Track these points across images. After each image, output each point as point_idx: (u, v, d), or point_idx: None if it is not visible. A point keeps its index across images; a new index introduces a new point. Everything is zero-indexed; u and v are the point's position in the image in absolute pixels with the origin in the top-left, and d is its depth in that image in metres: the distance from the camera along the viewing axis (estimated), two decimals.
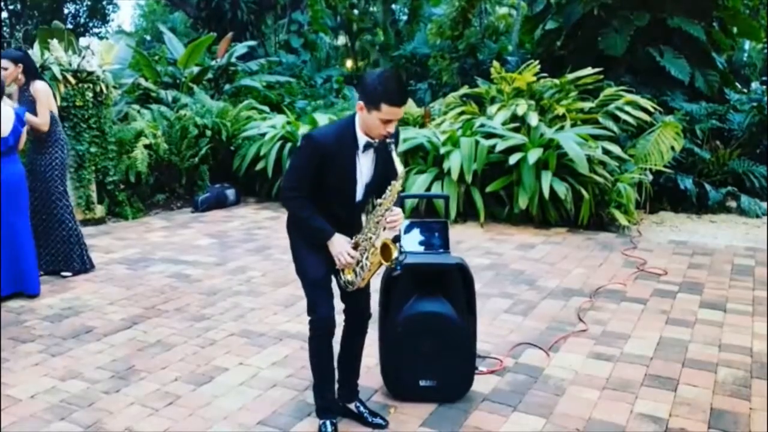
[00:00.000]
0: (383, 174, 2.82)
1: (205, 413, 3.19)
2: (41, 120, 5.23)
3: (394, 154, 2.73)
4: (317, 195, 2.80)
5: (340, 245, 2.80)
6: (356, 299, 3.01)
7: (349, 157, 2.75)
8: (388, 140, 2.70)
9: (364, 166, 2.82)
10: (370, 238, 2.81)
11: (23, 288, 4.94)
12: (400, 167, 2.73)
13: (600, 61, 9.45)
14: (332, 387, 3.02)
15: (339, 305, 3.00)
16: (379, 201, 2.79)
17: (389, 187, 2.76)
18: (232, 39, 12.50)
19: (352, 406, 3.11)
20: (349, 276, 2.87)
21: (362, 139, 2.75)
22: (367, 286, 3.03)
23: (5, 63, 5.13)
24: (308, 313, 2.91)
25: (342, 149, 2.73)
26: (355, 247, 2.83)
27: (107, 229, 7.43)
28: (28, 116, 5.09)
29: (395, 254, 2.75)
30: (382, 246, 2.77)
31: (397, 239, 2.80)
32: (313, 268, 2.87)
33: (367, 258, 2.82)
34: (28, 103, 5.21)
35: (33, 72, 5.34)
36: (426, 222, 3.46)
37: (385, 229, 2.82)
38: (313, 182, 2.77)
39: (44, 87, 5.29)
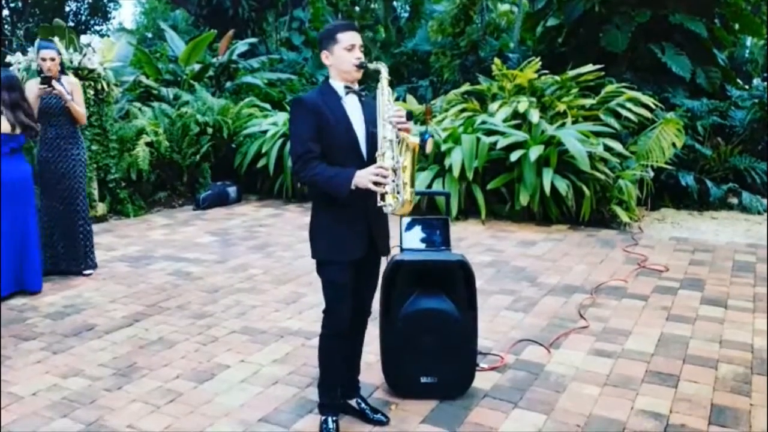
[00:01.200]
0: (374, 120, 2.78)
1: (206, 410, 3.20)
2: (84, 112, 5.45)
3: (370, 65, 2.78)
4: (326, 158, 2.75)
5: (365, 172, 2.66)
6: (363, 297, 2.99)
7: (336, 107, 2.79)
8: (362, 62, 2.76)
9: (355, 114, 2.82)
10: (390, 140, 2.69)
11: (25, 285, 4.96)
12: (383, 67, 2.80)
13: (601, 57, 9.44)
14: (338, 386, 3.02)
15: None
16: (380, 121, 2.73)
17: (379, 84, 2.77)
18: (233, 36, 12.49)
19: (353, 402, 3.11)
20: (391, 199, 2.67)
21: (339, 86, 2.82)
22: (376, 282, 3.02)
23: (53, 53, 5.18)
24: (325, 310, 2.90)
25: (327, 101, 2.79)
26: (381, 161, 2.69)
27: (109, 227, 7.44)
28: (76, 105, 5.26)
29: (415, 137, 2.69)
30: (402, 139, 2.68)
31: (410, 116, 2.77)
32: (337, 269, 2.82)
33: (399, 159, 2.69)
34: (57, 96, 5.22)
35: (62, 66, 5.43)
36: (427, 219, 3.47)
37: (394, 125, 2.71)
38: (319, 141, 2.74)
39: (77, 81, 5.56)
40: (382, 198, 2.68)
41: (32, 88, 5.11)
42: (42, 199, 5.40)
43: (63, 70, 5.40)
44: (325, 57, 2.80)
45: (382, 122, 2.73)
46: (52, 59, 5.15)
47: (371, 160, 2.76)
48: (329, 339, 2.92)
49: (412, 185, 2.72)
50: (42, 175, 5.36)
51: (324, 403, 2.99)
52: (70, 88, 5.27)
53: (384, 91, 2.76)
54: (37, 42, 6.22)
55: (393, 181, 2.67)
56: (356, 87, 2.84)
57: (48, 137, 5.33)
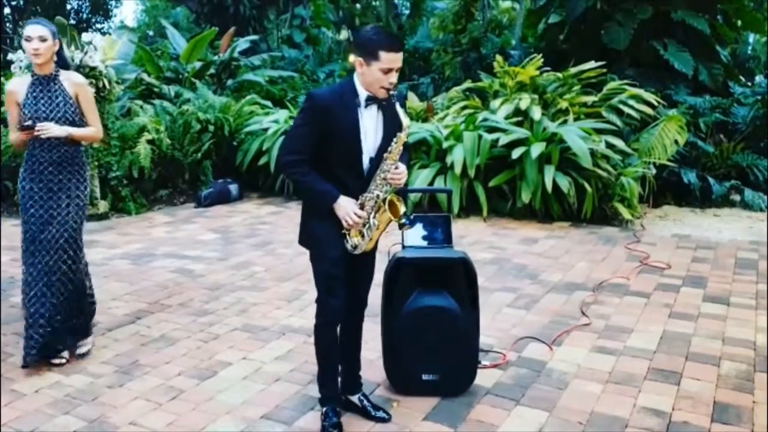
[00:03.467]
0: (392, 136, 2.72)
1: (208, 408, 3.20)
2: (97, 126, 3.77)
3: (398, 107, 2.67)
4: (323, 164, 2.73)
5: (346, 206, 2.71)
6: (357, 288, 2.99)
7: (351, 113, 2.69)
8: (391, 92, 2.65)
9: (369, 126, 2.74)
10: (377, 196, 2.73)
11: None
12: (405, 119, 2.69)
13: (603, 54, 9.42)
14: (336, 376, 3.02)
15: None
16: (384, 156, 2.72)
17: (394, 140, 2.70)
18: (234, 34, 12.48)
19: (355, 399, 3.11)
20: (355, 238, 2.80)
21: (363, 93, 2.70)
22: (371, 273, 3.02)
23: (44, 31, 3.51)
24: (318, 299, 2.88)
25: (343, 105, 2.69)
26: (362, 207, 2.76)
27: (110, 225, 7.44)
28: (77, 132, 3.64)
29: (402, 209, 2.72)
30: (389, 202, 2.72)
31: (403, 194, 2.76)
32: (329, 257, 2.81)
33: (374, 216, 2.76)
34: (54, 98, 3.60)
35: (64, 59, 3.79)
36: (429, 216, 3.46)
37: (390, 186, 2.74)
38: (317, 146, 2.70)
39: (84, 80, 3.80)
40: (348, 231, 2.78)
41: (15, 89, 3.65)
42: (23, 253, 3.79)
43: (64, 64, 3.74)
44: (359, 64, 2.66)
45: (381, 175, 2.72)
46: (42, 39, 3.49)
47: (370, 177, 2.76)
48: (324, 328, 2.90)
49: (375, 241, 2.86)
50: (23, 218, 3.76)
51: (324, 395, 3.00)
52: (74, 90, 3.64)
53: (399, 144, 2.70)
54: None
55: (364, 226, 2.76)
56: (381, 99, 2.70)
57: (34, 162, 3.64)
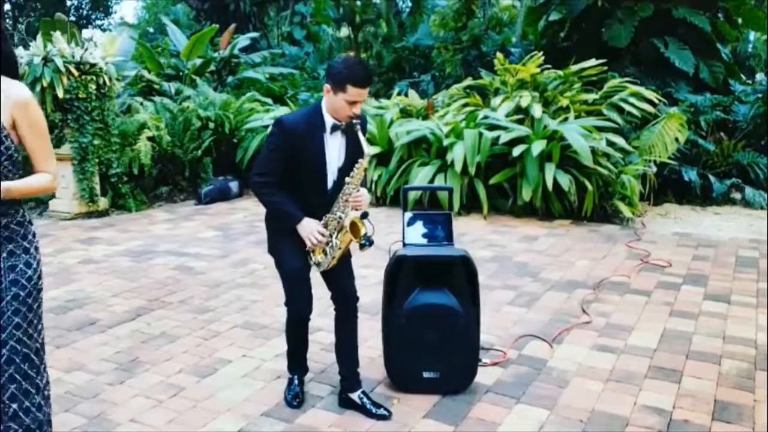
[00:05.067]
0: (354, 159, 2.91)
1: (208, 405, 3.20)
2: (51, 169, 2.30)
3: (360, 135, 2.84)
4: (290, 182, 2.91)
5: (309, 227, 2.90)
6: (343, 286, 3.09)
7: (317, 139, 2.87)
8: (354, 121, 2.82)
9: (333, 150, 2.91)
10: (339, 217, 2.92)
11: None
12: (366, 147, 2.86)
13: (604, 52, 9.41)
14: (304, 352, 3.28)
15: (326, 294, 3.00)
16: (347, 180, 2.88)
17: (356, 166, 2.86)
18: (234, 31, 12.47)
19: (355, 396, 3.11)
20: (318, 257, 2.98)
21: (329, 121, 2.87)
22: (351, 269, 3.11)
23: None
24: (286, 303, 3.08)
25: (311, 131, 2.86)
26: (325, 227, 2.93)
27: (111, 222, 7.44)
28: (17, 187, 2.20)
29: (363, 231, 2.87)
30: (351, 224, 2.88)
31: (365, 216, 2.90)
32: (292, 261, 3.00)
33: (336, 237, 2.92)
34: None
35: (10, 59, 2.23)
36: (429, 214, 3.46)
37: (352, 208, 2.91)
38: (285, 168, 2.88)
39: (29, 96, 2.22)
40: (313, 252, 2.97)
41: None
42: None
43: (12, 70, 2.21)
44: (326, 90, 2.82)
45: (343, 198, 2.88)
46: None
47: (333, 196, 2.93)
48: (293, 323, 3.15)
49: (338, 260, 2.98)
50: None
51: (290, 366, 3.28)
52: (11, 113, 2.14)
53: (360, 171, 2.86)
54: None
55: (327, 244, 2.91)
56: (344, 126, 2.87)
57: None
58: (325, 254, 2.95)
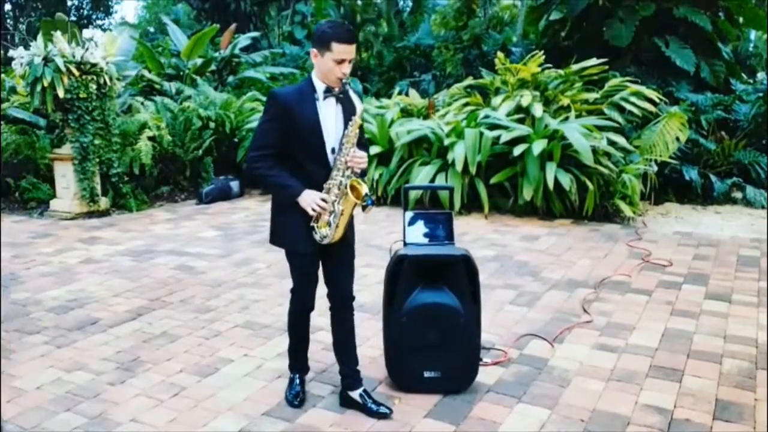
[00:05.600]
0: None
1: (210, 404, 3.20)
2: None
3: (351, 93, 2.82)
4: (289, 156, 2.87)
5: (309, 197, 2.84)
6: (341, 284, 3.07)
7: (309, 105, 2.84)
8: (344, 81, 2.79)
9: (329, 117, 2.87)
10: (340, 182, 2.84)
11: None
12: (359, 104, 2.82)
13: (605, 51, 9.40)
14: (305, 349, 3.26)
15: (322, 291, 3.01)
16: (342, 140, 2.84)
17: (350, 123, 2.82)
18: (235, 30, 12.47)
19: (356, 395, 3.11)
20: (323, 229, 2.90)
21: (320, 86, 2.85)
22: (353, 268, 3.09)
23: None
24: (291, 292, 3.11)
25: (302, 99, 2.84)
26: (327, 194, 2.86)
27: (112, 221, 7.44)
28: None
29: (364, 191, 2.81)
30: (350, 186, 2.82)
31: (363, 175, 2.85)
32: (301, 251, 2.97)
33: (338, 203, 2.85)
34: None
35: None
36: (430, 213, 3.46)
37: (351, 170, 2.85)
38: (282, 141, 2.84)
39: None
40: (316, 221, 2.89)
41: None
42: None
43: None
44: (314, 55, 2.81)
45: (342, 159, 2.82)
46: None
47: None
48: (296, 315, 3.15)
49: (344, 229, 2.91)
50: None
51: (292, 364, 3.27)
52: None
53: (354, 128, 2.82)
54: None
55: (331, 213, 2.85)
56: (337, 90, 2.85)
57: None
58: (329, 225, 2.88)
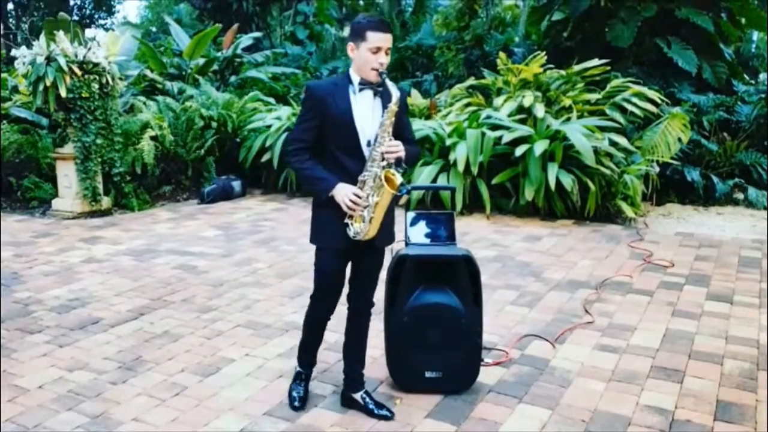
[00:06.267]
0: (394, 124, 2.79)
1: (211, 404, 3.21)
2: None
3: (388, 82, 2.75)
4: (325, 150, 2.83)
5: (343, 191, 2.77)
6: (364, 289, 3.05)
7: (343, 97, 2.81)
8: (381, 72, 2.74)
9: (365, 110, 2.81)
10: (375, 174, 2.77)
11: None
12: (395, 91, 2.75)
13: (607, 52, 9.40)
14: (317, 348, 3.24)
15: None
16: (378, 131, 2.77)
17: (386, 111, 2.76)
18: (237, 30, 12.47)
19: (357, 396, 3.11)
20: (357, 224, 2.81)
21: (356, 79, 2.82)
22: (378, 276, 3.05)
23: None
24: (313, 296, 3.06)
25: (336, 91, 2.82)
26: (362, 187, 2.80)
27: (113, 221, 7.45)
28: None
29: (399, 180, 2.72)
30: (385, 177, 2.74)
31: (398, 164, 2.73)
32: (331, 262, 2.93)
33: (374, 195, 2.77)
34: None
35: None
36: (432, 214, 3.46)
37: (385, 161, 2.75)
38: (318, 134, 2.81)
39: None
40: (350, 217, 2.81)
41: None
42: None
43: None
44: (351, 49, 2.79)
45: (378, 150, 2.76)
46: None
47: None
48: (313, 320, 3.13)
49: (379, 223, 2.82)
50: None
51: (301, 357, 3.26)
52: None
53: (389, 115, 2.75)
54: None
55: (365, 208, 2.78)
56: (373, 84, 2.79)
57: None
58: (363, 220, 2.79)
